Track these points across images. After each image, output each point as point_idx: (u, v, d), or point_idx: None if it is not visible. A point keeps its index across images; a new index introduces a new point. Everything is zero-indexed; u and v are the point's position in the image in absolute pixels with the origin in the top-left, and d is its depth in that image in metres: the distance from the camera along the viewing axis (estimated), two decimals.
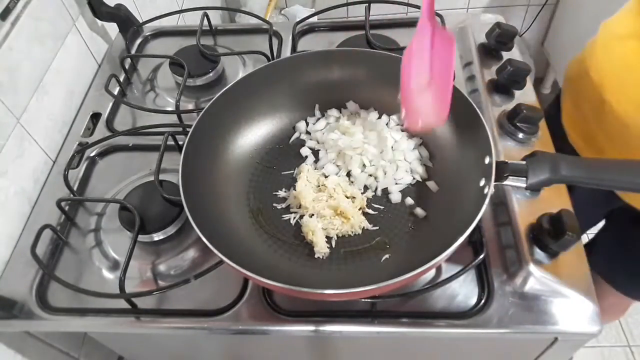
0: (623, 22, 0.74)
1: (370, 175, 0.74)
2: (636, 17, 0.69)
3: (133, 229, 0.69)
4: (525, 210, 0.69)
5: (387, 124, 0.77)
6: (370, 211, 0.71)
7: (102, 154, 0.87)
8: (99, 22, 1.02)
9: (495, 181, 0.58)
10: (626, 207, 0.83)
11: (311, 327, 0.64)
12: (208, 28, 1.03)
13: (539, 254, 0.65)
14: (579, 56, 0.84)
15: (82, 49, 0.97)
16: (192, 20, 1.18)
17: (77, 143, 0.87)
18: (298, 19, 1.03)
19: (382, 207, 0.71)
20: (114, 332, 0.74)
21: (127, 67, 0.97)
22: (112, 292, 0.66)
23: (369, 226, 0.69)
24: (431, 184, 0.72)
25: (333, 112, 0.80)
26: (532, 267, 0.64)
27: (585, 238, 1.00)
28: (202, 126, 0.69)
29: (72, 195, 0.78)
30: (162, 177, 0.75)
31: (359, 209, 0.70)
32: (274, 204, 0.73)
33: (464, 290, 0.65)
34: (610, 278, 0.83)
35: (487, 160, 0.61)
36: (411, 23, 1.03)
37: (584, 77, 0.79)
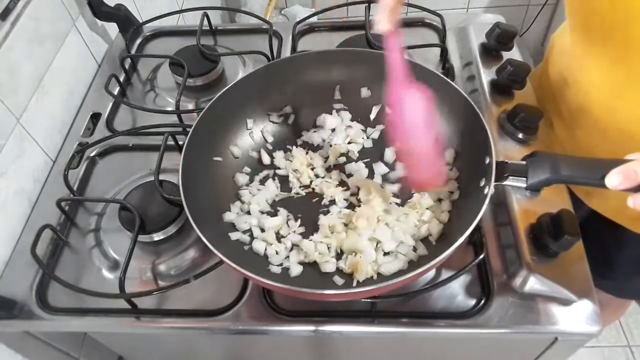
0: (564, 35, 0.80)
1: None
2: (571, 33, 0.75)
3: (133, 229, 0.69)
4: (525, 210, 0.69)
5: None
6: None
7: (102, 154, 0.87)
8: (99, 22, 1.02)
9: (495, 181, 0.58)
10: (594, 214, 0.84)
11: (311, 327, 0.64)
12: (208, 28, 1.03)
13: (539, 254, 0.65)
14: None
15: (82, 49, 0.97)
16: (192, 20, 1.18)
17: (77, 143, 0.87)
18: (298, 19, 1.03)
19: None
20: (114, 332, 0.74)
21: (127, 67, 0.97)
22: (112, 292, 0.66)
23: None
24: None
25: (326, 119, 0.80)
26: (532, 267, 0.64)
27: None
28: (202, 126, 0.69)
29: (72, 195, 0.78)
30: (162, 177, 0.75)
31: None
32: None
33: (464, 290, 0.65)
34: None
35: (487, 160, 0.61)
36: (411, 23, 1.03)
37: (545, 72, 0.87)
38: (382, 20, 0.57)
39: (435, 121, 0.64)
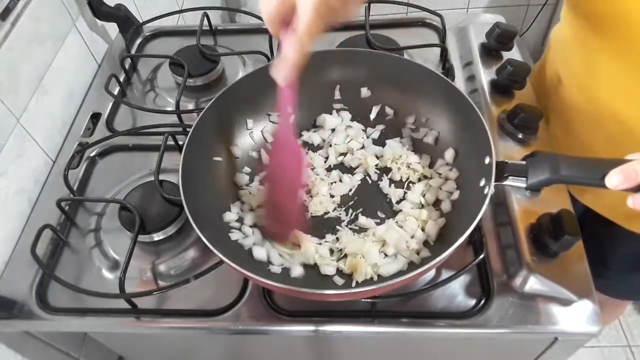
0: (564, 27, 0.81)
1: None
2: (571, 30, 0.76)
3: (133, 229, 0.69)
4: (525, 210, 0.69)
5: None
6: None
7: (102, 154, 0.87)
8: (99, 22, 1.02)
9: (495, 181, 0.58)
10: (589, 211, 0.85)
11: (311, 327, 0.64)
12: (208, 28, 1.03)
13: (539, 254, 0.65)
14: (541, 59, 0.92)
15: (82, 49, 0.97)
16: (192, 20, 1.18)
17: (77, 143, 0.87)
18: None
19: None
20: (114, 332, 0.74)
21: (127, 67, 0.97)
22: (112, 292, 0.66)
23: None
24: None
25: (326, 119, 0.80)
26: (532, 267, 0.64)
27: None
28: (202, 126, 0.69)
29: (72, 195, 0.78)
30: (162, 177, 0.75)
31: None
32: None
33: (464, 290, 0.65)
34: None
35: (487, 160, 0.61)
36: (411, 23, 1.03)
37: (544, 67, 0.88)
38: (281, 74, 0.56)
39: (303, 177, 0.65)
